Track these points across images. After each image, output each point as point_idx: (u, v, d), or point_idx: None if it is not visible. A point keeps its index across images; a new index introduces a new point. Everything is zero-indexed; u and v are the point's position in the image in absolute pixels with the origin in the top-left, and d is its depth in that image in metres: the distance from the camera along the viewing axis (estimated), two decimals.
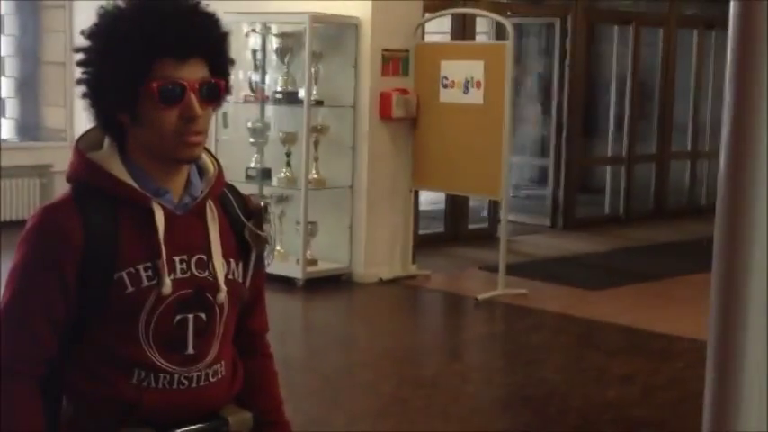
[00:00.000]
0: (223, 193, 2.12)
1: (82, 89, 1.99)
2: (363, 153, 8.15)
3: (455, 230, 10.22)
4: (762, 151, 0.91)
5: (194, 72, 1.94)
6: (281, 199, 8.30)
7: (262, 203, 2.21)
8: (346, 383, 5.86)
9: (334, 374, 5.98)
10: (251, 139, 8.35)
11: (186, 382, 2.00)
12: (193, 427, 2.02)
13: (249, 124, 8.33)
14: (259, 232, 2.12)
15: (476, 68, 7.90)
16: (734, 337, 0.95)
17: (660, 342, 6.77)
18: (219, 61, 2.00)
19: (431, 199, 10.69)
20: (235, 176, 8.35)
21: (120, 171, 1.98)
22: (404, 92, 8.16)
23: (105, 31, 1.94)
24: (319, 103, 8.06)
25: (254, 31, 8.32)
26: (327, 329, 7.15)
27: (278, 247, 8.25)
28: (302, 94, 8.00)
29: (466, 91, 7.96)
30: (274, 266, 8.52)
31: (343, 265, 8.22)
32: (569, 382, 5.96)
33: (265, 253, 2.16)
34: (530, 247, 10.02)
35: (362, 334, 7.11)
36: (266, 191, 8.41)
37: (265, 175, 8.33)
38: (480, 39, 10.74)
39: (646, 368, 6.20)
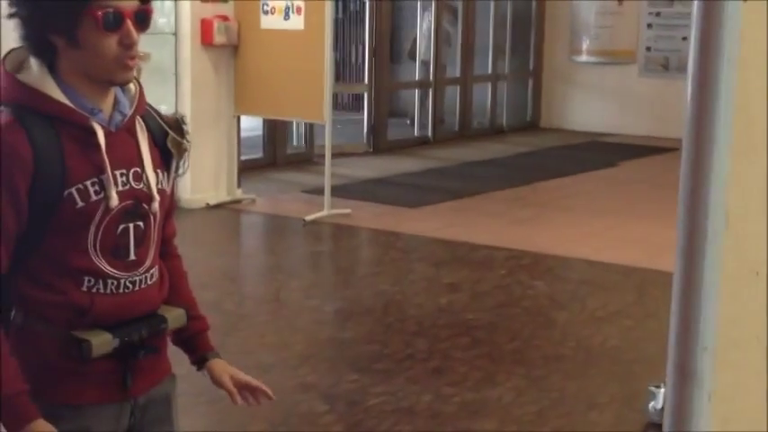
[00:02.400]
0: (145, 109, 2.28)
1: (12, 10, 2.09)
2: (186, 80, 8.22)
3: (274, 156, 10.43)
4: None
5: (130, 1, 2.10)
6: None
7: (178, 116, 2.36)
8: None
9: None
10: None
11: (130, 285, 2.18)
12: (144, 325, 2.21)
13: None
14: (182, 140, 2.28)
15: None
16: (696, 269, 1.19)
17: (480, 253, 7.25)
18: None
19: (245, 126, 10.80)
20: None
21: (56, 93, 2.10)
22: (225, 18, 8.24)
23: None
24: None
25: None
26: None
27: None
28: None
29: (287, 17, 8.12)
30: None
31: None
32: (403, 292, 6.34)
33: (182, 161, 2.33)
34: (347, 169, 10.34)
35: (197, 257, 7.22)
36: None
37: None
38: None
39: (471, 277, 6.65)
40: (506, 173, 10.55)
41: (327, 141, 8.32)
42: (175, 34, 8.18)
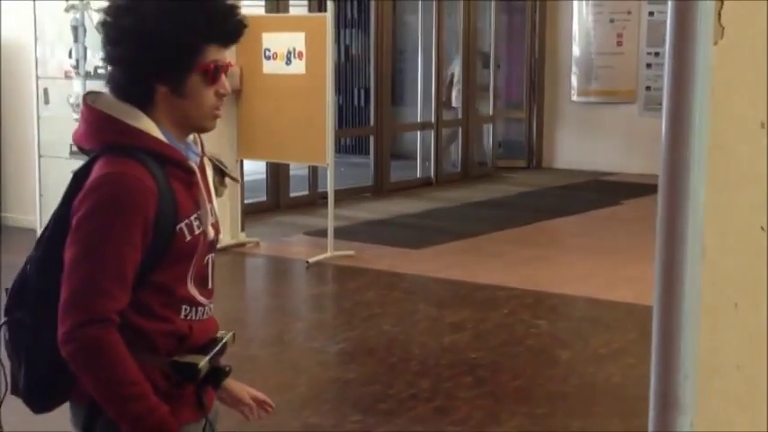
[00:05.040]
0: None
1: (113, 53, 2.21)
2: None
3: (277, 199, 10.50)
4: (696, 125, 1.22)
5: (225, 56, 2.27)
6: None
7: (216, 158, 2.53)
8: None
9: None
10: (74, 115, 8.32)
11: (208, 312, 2.35)
12: (219, 347, 2.35)
13: (71, 99, 8.31)
14: (233, 177, 2.54)
15: (297, 40, 8.18)
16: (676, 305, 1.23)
17: (483, 292, 7.28)
18: None
19: (248, 169, 10.89)
20: (59, 153, 8.34)
21: (162, 136, 2.24)
22: (228, 64, 8.32)
23: (165, 12, 2.17)
24: None
25: (73, 7, 8.28)
26: None
27: None
28: None
29: (288, 62, 8.22)
30: None
31: None
32: (406, 332, 6.37)
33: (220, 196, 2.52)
34: (350, 211, 10.40)
35: None
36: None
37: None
38: (294, 11, 10.98)
39: (474, 316, 6.68)
40: (508, 213, 10.60)
41: (330, 183, 8.38)
42: None
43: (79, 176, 2.23)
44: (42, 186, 8.52)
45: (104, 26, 2.23)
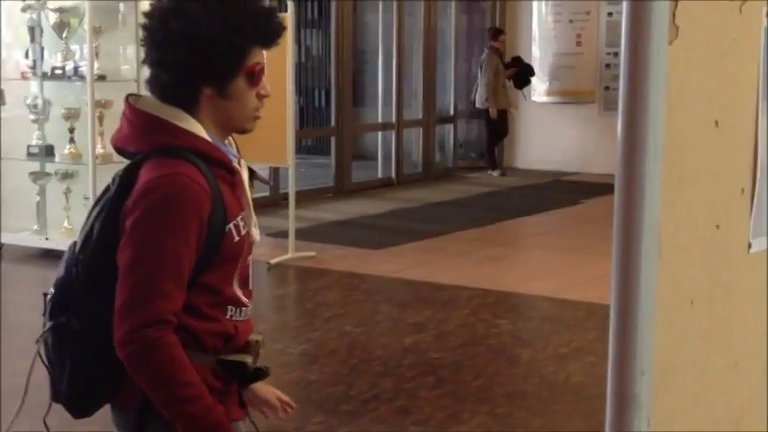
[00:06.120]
0: None
1: (157, 55, 2.20)
2: None
3: None
4: (651, 121, 1.23)
5: (264, 58, 2.28)
6: (67, 175, 8.26)
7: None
8: None
9: None
10: (31, 116, 8.25)
11: (248, 313, 2.37)
12: (254, 347, 2.36)
13: (28, 101, 8.22)
14: (264, 180, 2.56)
15: None
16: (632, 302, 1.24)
17: (445, 293, 7.30)
18: None
19: None
20: (16, 154, 8.26)
21: (207, 137, 2.24)
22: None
23: (213, 15, 2.17)
24: (101, 77, 8.06)
25: (30, 7, 8.20)
26: None
27: (65, 224, 8.24)
28: (83, 69, 7.98)
29: None
30: (63, 243, 8.42)
31: None
32: (368, 333, 6.37)
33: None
34: (311, 211, 10.39)
35: None
36: (49, 167, 8.35)
37: (48, 151, 8.27)
38: None
39: (435, 317, 6.69)
40: (470, 213, 10.63)
41: (291, 184, 8.36)
42: (137, 81, 8.21)
43: (125, 179, 2.20)
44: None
45: (148, 30, 2.22)
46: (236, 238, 2.24)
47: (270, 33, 2.26)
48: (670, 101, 1.24)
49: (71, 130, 8.16)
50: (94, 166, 7.95)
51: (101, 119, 8.08)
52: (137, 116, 2.24)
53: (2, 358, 5.21)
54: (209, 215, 2.17)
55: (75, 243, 2.28)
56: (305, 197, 10.83)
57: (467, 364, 5.76)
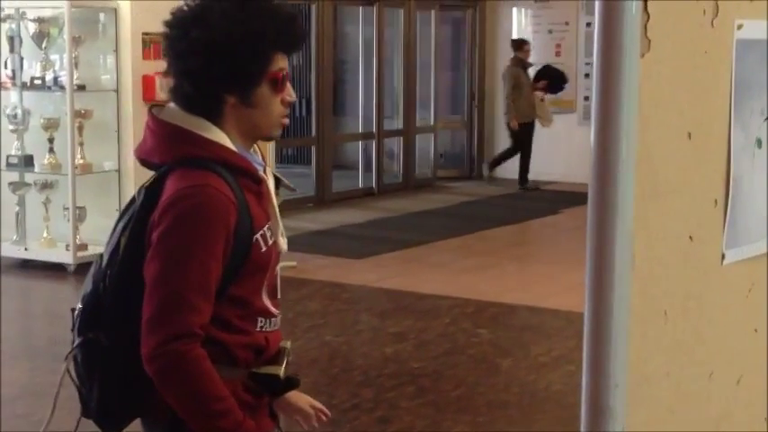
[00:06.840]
0: None
1: (178, 65, 2.17)
2: (129, 137, 8.21)
3: None
4: (625, 125, 1.24)
5: (287, 63, 2.24)
6: (46, 185, 8.22)
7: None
8: None
9: None
10: (10, 126, 8.22)
11: (278, 323, 2.34)
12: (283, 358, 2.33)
13: (7, 111, 8.19)
14: (289, 187, 2.42)
15: None
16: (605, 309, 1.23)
17: (425, 302, 7.30)
18: None
19: None
20: None
21: (232, 146, 2.19)
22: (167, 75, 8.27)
23: (235, 23, 2.13)
24: (81, 87, 8.04)
25: (9, 17, 8.17)
26: None
27: (45, 234, 8.20)
28: (62, 79, 7.96)
29: None
30: (43, 253, 8.38)
31: None
32: (349, 343, 6.36)
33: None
34: (292, 221, 10.37)
35: None
36: (29, 177, 8.31)
37: (27, 161, 8.24)
38: None
39: (416, 326, 6.69)
40: (450, 222, 10.64)
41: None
42: (117, 91, 8.20)
43: (150, 191, 2.17)
44: None
45: (169, 39, 2.19)
46: (264, 249, 2.20)
47: (293, 38, 2.24)
48: (642, 113, 1.25)
49: (50, 140, 8.14)
50: (74, 176, 7.93)
51: (80, 129, 8.06)
52: (160, 127, 2.20)
53: None
54: (235, 226, 2.12)
55: (101, 257, 2.24)
56: (285, 206, 10.77)
57: (447, 374, 5.76)
